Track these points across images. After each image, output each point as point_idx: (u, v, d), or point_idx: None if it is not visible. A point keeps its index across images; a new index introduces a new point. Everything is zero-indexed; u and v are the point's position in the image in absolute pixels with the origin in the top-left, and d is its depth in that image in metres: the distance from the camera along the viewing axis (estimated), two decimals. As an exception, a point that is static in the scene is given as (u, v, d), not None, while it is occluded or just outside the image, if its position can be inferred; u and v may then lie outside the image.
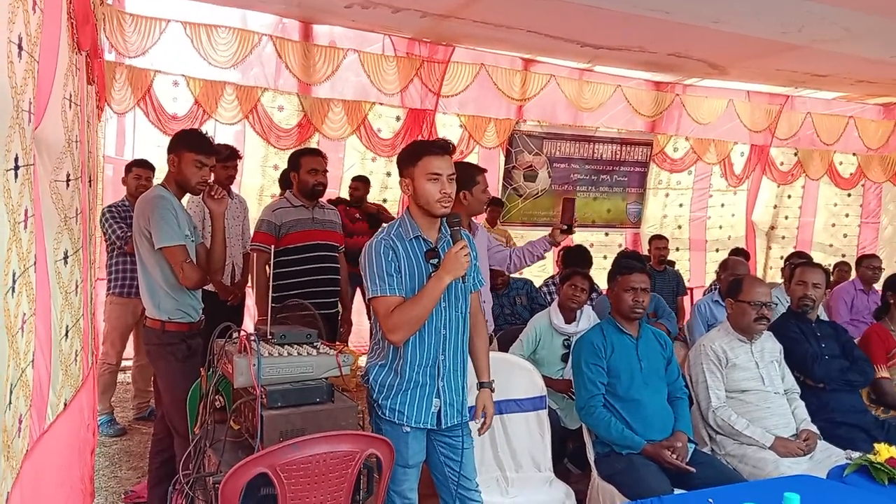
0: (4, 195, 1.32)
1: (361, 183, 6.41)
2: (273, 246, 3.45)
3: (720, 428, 3.34)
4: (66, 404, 2.08)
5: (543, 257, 4.04)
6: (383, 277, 2.45)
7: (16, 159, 1.40)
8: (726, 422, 3.31)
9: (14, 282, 1.41)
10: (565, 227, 3.82)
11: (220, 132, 6.01)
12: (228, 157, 4.63)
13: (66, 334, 2.12)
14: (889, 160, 9.38)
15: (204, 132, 3.40)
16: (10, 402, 1.40)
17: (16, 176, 1.40)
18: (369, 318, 5.80)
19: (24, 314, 1.51)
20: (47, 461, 1.79)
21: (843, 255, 8.83)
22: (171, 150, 3.20)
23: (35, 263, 1.60)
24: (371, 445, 2.31)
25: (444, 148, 2.53)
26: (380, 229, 2.63)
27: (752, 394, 3.38)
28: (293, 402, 2.39)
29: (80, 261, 2.37)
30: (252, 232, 4.28)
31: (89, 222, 2.80)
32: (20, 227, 1.45)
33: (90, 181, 2.96)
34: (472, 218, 3.75)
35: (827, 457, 3.20)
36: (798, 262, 4.30)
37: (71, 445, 2.23)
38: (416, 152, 2.52)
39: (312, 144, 6.41)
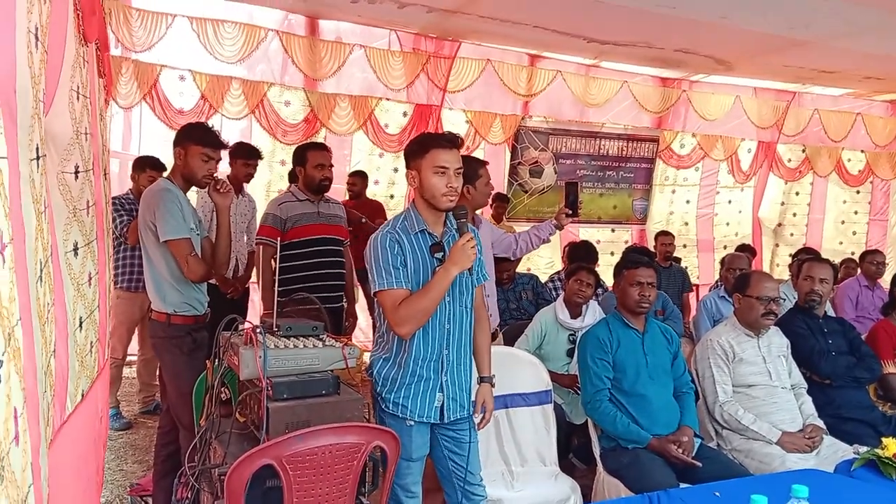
0: (31, 184, 1.32)
1: (359, 178, 6.39)
2: (279, 239, 3.45)
3: (727, 423, 3.33)
4: (83, 395, 2.09)
5: (549, 240, 4.04)
6: (389, 271, 2.44)
7: (37, 149, 1.41)
8: (733, 416, 3.30)
9: (41, 270, 1.41)
10: (569, 211, 3.83)
11: (227, 127, 6.01)
12: (251, 155, 4.67)
13: (81, 325, 2.13)
14: (897, 157, 9.35)
15: (210, 126, 3.40)
16: (45, 391, 1.41)
17: (38, 165, 1.41)
18: (371, 314, 5.80)
19: (48, 304, 1.51)
20: (66, 452, 1.80)
21: (853, 253, 8.80)
22: (177, 142, 3.20)
23: (51, 254, 1.60)
24: (377, 437, 2.31)
25: (453, 141, 2.52)
26: (385, 223, 2.62)
27: (759, 388, 3.37)
28: (299, 393, 2.39)
29: (93, 252, 2.37)
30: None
31: (106, 215, 2.79)
32: (43, 217, 1.45)
33: (105, 174, 2.95)
34: (477, 212, 3.74)
35: (833, 452, 3.19)
36: (805, 258, 4.27)
37: (87, 437, 2.24)
38: (424, 144, 2.50)
39: (319, 139, 6.41)
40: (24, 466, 1.28)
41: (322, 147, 4.25)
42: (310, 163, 4.04)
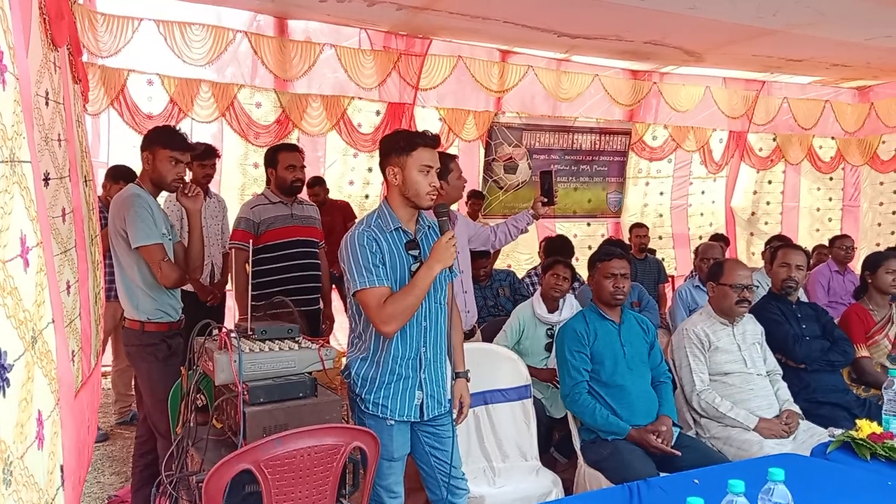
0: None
1: (319, 186, 6.21)
2: (251, 243, 3.42)
3: (704, 411, 3.36)
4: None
5: (527, 230, 4.05)
6: (370, 269, 2.41)
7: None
8: (710, 404, 3.33)
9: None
10: (545, 199, 3.84)
11: (197, 131, 5.95)
12: (206, 156, 4.57)
13: (59, 333, 2.10)
14: (866, 143, 9.47)
15: (178, 129, 3.36)
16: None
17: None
18: (348, 314, 5.77)
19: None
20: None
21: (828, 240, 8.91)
22: (144, 147, 3.16)
23: None
24: (356, 438, 2.30)
25: (436, 141, 2.54)
26: (357, 221, 2.60)
27: (735, 376, 3.40)
28: (276, 397, 2.37)
29: (71, 261, 2.33)
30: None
31: (88, 222, 2.74)
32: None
33: (86, 180, 2.90)
34: (452, 207, 3.75)
35: (810, 436, 3.23)
36: (779, 245, 4.30)
37: (70, 446, 2.21)
38: (410, 142, 2.48)
39: (292, 140, 6.37)
40: (52, 469, 1.26)
41: (293, 148, 4.21)
42: (281, 164, 4.00)
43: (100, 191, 4.87)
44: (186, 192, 3.19)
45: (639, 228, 6.75)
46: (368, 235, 2.46)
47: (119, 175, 4.77)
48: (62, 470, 1.32)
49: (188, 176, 3.31)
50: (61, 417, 1.32)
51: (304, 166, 4.12)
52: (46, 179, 2.11)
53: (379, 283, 2.41)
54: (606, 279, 3.28)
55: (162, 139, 3.13)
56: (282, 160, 4.00)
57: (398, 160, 2.48)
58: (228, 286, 4.97)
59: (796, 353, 3.68)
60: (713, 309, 3.56)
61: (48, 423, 1.22)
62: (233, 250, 3.99)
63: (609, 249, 3.40)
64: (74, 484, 2.34)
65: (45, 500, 1.18)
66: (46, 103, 2.20)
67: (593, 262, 3.40)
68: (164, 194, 3.37)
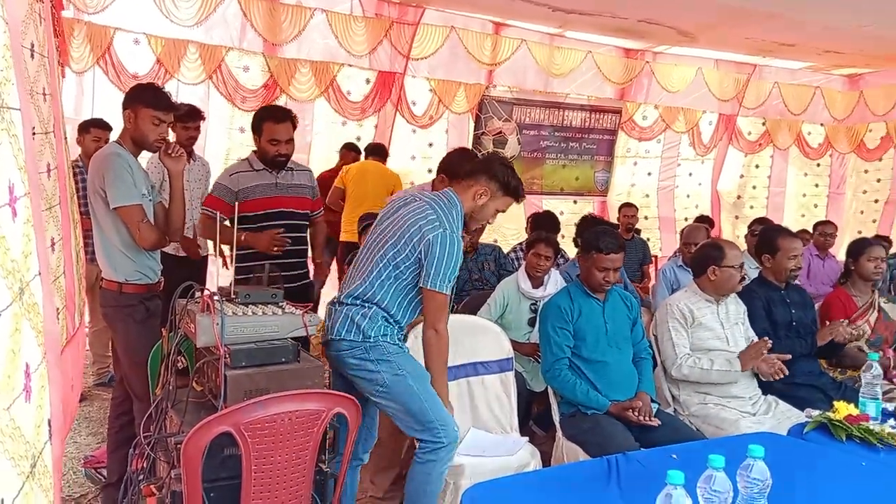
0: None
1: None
2: (231, 211, 3.23)
3: (688, 376, 3.36)
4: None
5: None
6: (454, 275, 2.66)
7: None
8: (694, 367, 3.33)
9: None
10: None
11: (184, 93, 5.86)
12: (190, 118, 4.44)
13: (43, 291, 2.06)
14: (853, 131, 9.51)
15: (161, 87, 3.28)
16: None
17: None
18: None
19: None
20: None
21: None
22: (126, 105, 3.08)
23: None
24: (338, 404, 2.29)
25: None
26: (443, 219, 2.67)
27: (716, 353, 3.41)
28: (258, 361, 2.35)
29: (55, 217, 2.28)
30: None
31: (69, 179, 2.69)
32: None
33: (65, 137, 2.83)
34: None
35: (786, 417, 3.26)
36: (776, 231, 4.17)
37: (58, 402, 2.19)
38: (512, 191, 2.79)
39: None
40: (39, 423, 1.24)
41: (281, 118, 3.72)
42: (264, 135, 3.67)
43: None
44: (170, 152, 3.11)
45: (628, 208, 6.75)
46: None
47: (88, 124, 4.72)
48: (50, 424, 1.30)
49: (171, 136, 3.22)
50: (49, 372, 1.30)
51: (290, 140, 3.75)
52: (32, 134, 2.05)
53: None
54: (599, 271, 3.25)
55: (145, 98, 3.05)
56: (265, 131, 3.66)
57: (491, 191, 2.76)
58: (211, 252, 4.91)
59: (783, 342, 3.64)
60: (709, 289, 3.51)
61: (36, 377, 1.20)
62: (203, 216, 3.76)
63: (609, 243, 3.27)
64: (60, 440, 2.32)
65: (31, 452, 1.16)
66: (32, 55, 2.13)
67: (589, 247, 3.30)
68: (146, 154, 3.30)
